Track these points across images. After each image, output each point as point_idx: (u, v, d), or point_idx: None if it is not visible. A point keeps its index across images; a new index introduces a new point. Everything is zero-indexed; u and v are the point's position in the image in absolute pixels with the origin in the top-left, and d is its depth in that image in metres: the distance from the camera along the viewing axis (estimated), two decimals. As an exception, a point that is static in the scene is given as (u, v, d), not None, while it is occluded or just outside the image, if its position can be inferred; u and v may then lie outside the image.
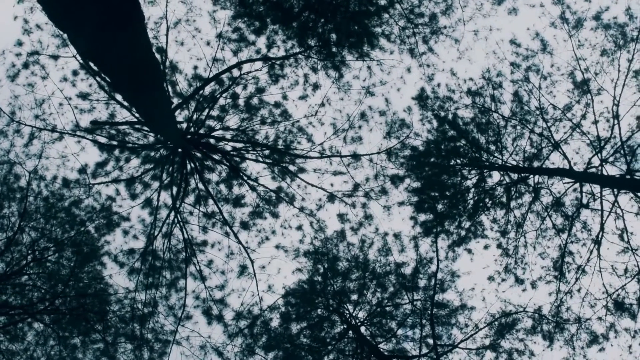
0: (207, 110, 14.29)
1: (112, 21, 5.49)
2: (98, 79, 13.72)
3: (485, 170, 15.26)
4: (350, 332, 15.05)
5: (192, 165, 14.78)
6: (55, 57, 13.79)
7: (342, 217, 15.41)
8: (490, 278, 15.37)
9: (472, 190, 15.50)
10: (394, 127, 15.18)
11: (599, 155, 14.20)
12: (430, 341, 14.31)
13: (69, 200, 15.24)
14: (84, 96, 14.38)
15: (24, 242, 15.50)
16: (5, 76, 13.81)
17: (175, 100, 14.47)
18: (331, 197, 15.18)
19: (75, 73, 14.25)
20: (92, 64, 12.38)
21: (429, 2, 14.33)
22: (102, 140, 14.64)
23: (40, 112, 14.29)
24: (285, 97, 14.84)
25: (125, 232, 15.26)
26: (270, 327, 15.01)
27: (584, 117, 14.64)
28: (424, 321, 14.44)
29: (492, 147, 15.17)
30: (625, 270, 14.15)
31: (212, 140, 14.73)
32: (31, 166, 14.80)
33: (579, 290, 14.61)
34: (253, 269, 14.91)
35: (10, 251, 15.29)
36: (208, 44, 14.44)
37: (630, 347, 13.99)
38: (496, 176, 15.48)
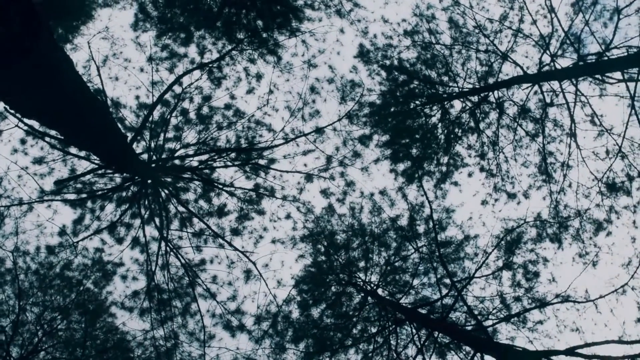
0: (162, 135, 14.90)
1: (41, 74, 6.15)
2: (47, 139, 14.31)
3: (445, 102, 16.08)
4: (369, 298, 15.89)
5: (166, 191, 15.43)
6: (-3, 133, 14.34)
7: (325, 192, 16.18)
8: (484, 202, 16.30)
9: (439, 125, 16.35)
10: (346, 90, 15.93)
11: (548, 52, 15.00)
12: (447, 280, 15.17)
13: (59, 266, 15.82)
14: (39, 161, 14.91)
15: (29, 321, 16.09)
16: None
17: (129, 135, 15.04)
18: (308, 177, 15.91)
19: (23, 142, 14.82)
20: (38, 124, 12.97)
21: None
22: (71, 197, 15.23)
23: (1, 191, 14.84)
24: (233, 97, 15.53)
25: (124, 277, 15.91)
26: (292, 320, 15.80)
27: (521, 20, 15.43)
28: (434, 264, 15.27)
29: (445, 78, 16.00)
30: (607, 152, 15.06)
31: (177, 162, 15.34)
32: (11, 245, 15.36)
33: (569, 186, 15.56)
34: (257, 270, 15.65)
35: (20, 333, 15.87)
36: (142, 70, 15.07)
37: (634, 222, 14.90)
38: (458, 104, 16.34)
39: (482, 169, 16.35)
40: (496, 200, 16.26)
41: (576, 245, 15.36)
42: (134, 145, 14.12)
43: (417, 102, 16.23)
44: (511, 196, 16.18)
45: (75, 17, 15.39)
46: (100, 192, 15.31)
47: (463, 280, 15.25)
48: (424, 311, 15.39)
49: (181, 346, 15.63)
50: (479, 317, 14.50)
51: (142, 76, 15.33)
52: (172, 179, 15.59)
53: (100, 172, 14.70)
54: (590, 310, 14.27)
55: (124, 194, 15.58)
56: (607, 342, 11.99)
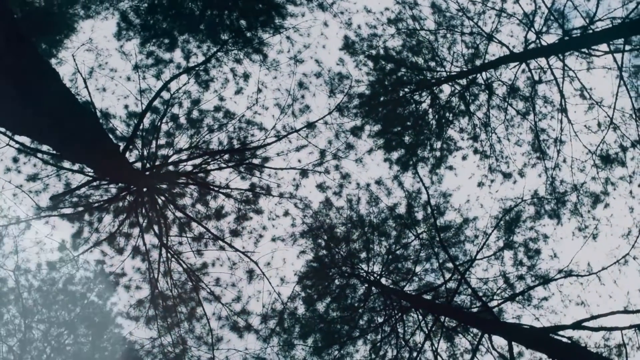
0: (154, 142, 14.93)
1: (28, 89, 6.24)
2: (40, 155, 14.35)
3: (434, 87, 16.19)
4: (373, 288, 16.02)
5: (162, 198, 15.51)
6: (-13, 153, 14.39)
7: (321, 186, 16.22)
8: (480, 184, 16.45)
9: (430, 110, 16.47)
10: (334, 83, 15.98)
11: (532, 29, 15.13)
12: (450, 265, 15.29)
13: (61, 281, 15.91)
14: (33, 178, 14.96)
15: (36, 338, 16.18)
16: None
17: (121, 144, 15.09)
18: (303, 173, 15.96)
19: (15, 160, 14.85)
20: (30, 140, 13.04)
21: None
22: (68, 211, 15.28)
23: (-3, 211, 14.90)
24: (222, 99, 15.56)
25: (127, 287, 15.96)
26: (298, 316, 15.91)
27: (504, 0, 15.51)
28: (436, 250, 15.39)
29: (432, 64, 16.10)
30: (599, 125, 15.21)
31: (171, 167, 15.40)
32: (12, 264, 15.43)
33: (564, 161, 15.71)
34: (260, 269, 15.73)
35: (27, 351, 15.96)
36: (129, 79, 15.09)
37: (630, 192, 15.06)
38: (447, 89, 16.45)
39: (475, 151, 16.50)
40: (492, 181, 16.43)
41: (575, 219, 15.54)
42: (127, 155, 14.17)
43: (406, 89, 16.34)
44: (507, 176, 16.33)
45: (58, 31, 15.43)
46: (96, 204, 15.36)
47: (465, 263, 15.39)
48: (428, 297, 15.54)
49: (190, 351, 15.72)
50: (484, 299, 14.62)
51: (129, 85, 15.32)
52: (167, 186, 15.65)
53: (95, 184, 14.76)
54: (593, 283, 14.44)
55: (120, 204, 15.64)
56: (612, 313, 12.16)
